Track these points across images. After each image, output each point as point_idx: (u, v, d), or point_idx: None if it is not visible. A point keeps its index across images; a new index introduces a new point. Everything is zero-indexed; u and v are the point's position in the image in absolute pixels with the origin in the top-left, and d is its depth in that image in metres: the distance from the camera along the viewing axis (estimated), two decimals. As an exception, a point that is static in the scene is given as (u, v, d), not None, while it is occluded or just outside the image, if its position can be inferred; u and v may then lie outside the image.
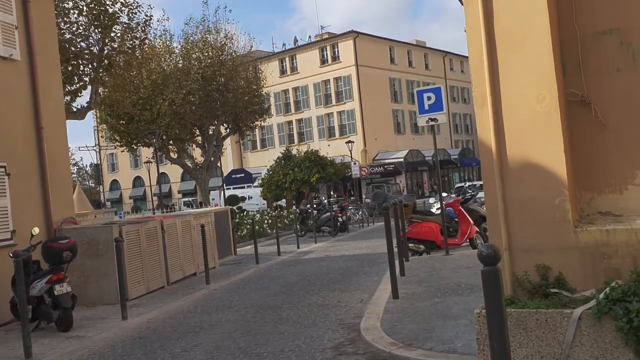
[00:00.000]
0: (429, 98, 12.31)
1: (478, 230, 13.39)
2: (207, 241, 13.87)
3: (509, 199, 4.90)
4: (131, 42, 21.97)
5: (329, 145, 43.12)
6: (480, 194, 16.58)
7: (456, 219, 13.55)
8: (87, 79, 20.16)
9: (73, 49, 18.94)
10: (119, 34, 20.90)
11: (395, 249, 13.96)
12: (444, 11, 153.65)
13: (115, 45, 20.85)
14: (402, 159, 50.76)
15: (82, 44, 19.73)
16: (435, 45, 64.89)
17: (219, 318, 8.78)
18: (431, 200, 14.57)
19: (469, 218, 13.33)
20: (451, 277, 9.46)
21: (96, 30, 19.40)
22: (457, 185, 30.01)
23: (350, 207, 28.13)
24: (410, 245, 13.06)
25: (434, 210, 14.13)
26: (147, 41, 26.43)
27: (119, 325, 8.77)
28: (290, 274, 13.08)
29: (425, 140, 58.91)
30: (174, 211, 28.28)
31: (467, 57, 71.46)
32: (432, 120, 12.30)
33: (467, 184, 32.45)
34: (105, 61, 20.36)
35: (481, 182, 28.33)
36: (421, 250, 13.17)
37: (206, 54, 31.79)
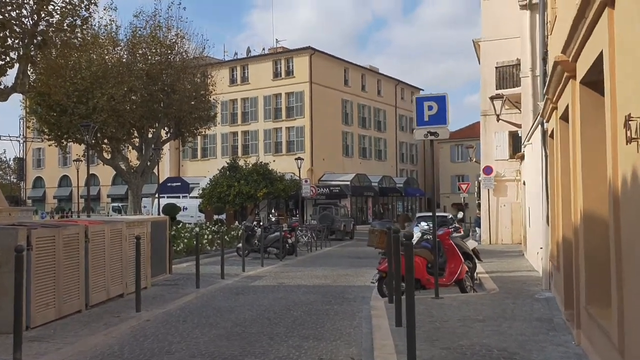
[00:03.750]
0: (429, 107, 10.28)
1: (468, 270, 11.38)
2: (141, 256, 11.29)
3: None
4: (72, 19, 19.21)
5: (274, 161, 40.77)
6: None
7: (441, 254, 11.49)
8: (14, 55, 17.35)
9: (0, 16, 16.10)
10: (58, 9, 18.14)
11: (373, 283, 11.90)
12: (390, 44, 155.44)
13: (53, 21, 18.10)
14: (348, 182, 49.00)
15: (12, 13, 16.89)
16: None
17: (154, 370, 6.29)
18: (417, 227, 12.44)
19: (460, 255, 11.31)
20: (469, 336, 7.28)
21: (31, -1, 16.64)
22: (418, 215, 28.25)
23: (300, 229, 25.78)
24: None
25: (414, 239, 12.08)
26: (90, 24, 23.61)
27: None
28: (241, 306, 10.62)
29: (372, 166, 57.52)
30: (90, 216, 25.05)
31: (417, 88, 71.39)
32: (432, 134, 10.25)
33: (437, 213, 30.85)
34: (39, 37, 17.57)
35: (446, 214, 26.26)
36: (403, 289, 10.98)
37: (154, 51, 29.13)
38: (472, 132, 62.78)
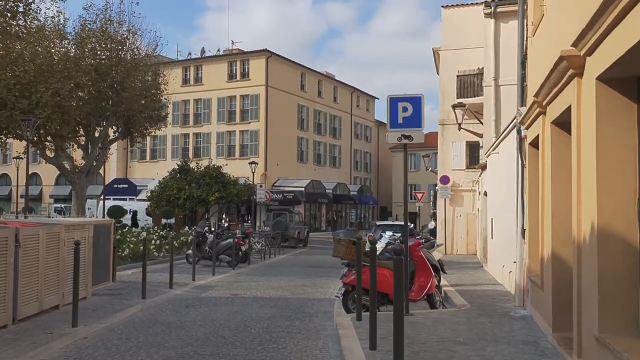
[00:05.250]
0: (404, 109, 9.52)
1: (438, 284, 10.67)
2: (81, 263, 10.13)
3: None
4: (13, 4, 17.84)
5: (226, 165, 39.47)
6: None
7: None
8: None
9: None
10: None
11: (338, 297, 11.03)
12: (345, 53, 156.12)
13: (-10, 5, 16.73)
14: (302, 189, 48.16)
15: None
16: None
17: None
18: (384, 236, 11.63)
19: (430, 268, 10.58)
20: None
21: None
22: (378, 223, 27.54)
23: (254, 235, 24.75)
24: (355, 296, 10.09)
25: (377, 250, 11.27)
26: (33, 11, 22.11)
27: None
28: (192, 322, 9.58)
29: (326, 172, 56.87)
30: (27, 217, 23.33)
31: (373, 96, 71.30)
32: (406, 137, 9.48)
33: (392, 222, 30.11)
34: (-26, 22, 16.18)
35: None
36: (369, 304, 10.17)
37: (104, 46, 27.73)
38: (425, 142, 62.89)
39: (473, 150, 31.11)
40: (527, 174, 9.90)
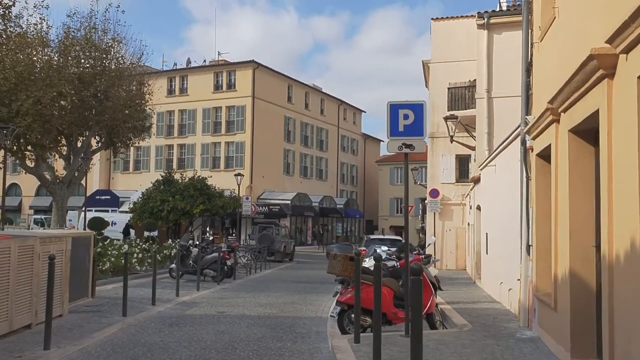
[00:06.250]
0: (405, 116, 8.96)
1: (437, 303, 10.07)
2: (57, 278, 9.41)
3: None
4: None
5: (211, 177, 38.64)
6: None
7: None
8: None
9: None
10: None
11: (331, 314, 10.32)
12: (331, 67, 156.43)
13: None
14: (288, 201, 47.48)
15: None
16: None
17: None
18: (382, 252, 10.97)
19: (431, 286, 9.99)
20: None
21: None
22: (372, 237, 26.82)
23: (240, 249, 24.02)
24: (352, 315, 9.47)
25: (369, 264, 10.67)
26: (13, 15, 21.46)
27: None
28: (176, 343, 8.88)
29: (313, 185, 56.26)
30: (3, 229, 22.34)
31: (360, 109, 70.98)
32: (407, 146, 8.92)
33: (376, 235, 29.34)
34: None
35: (398, 238, 25.05)
36: (367, 324, 9.55)
37: (87, 54, 27.00)
38: (411, 156, 62.51)
39: (463, 163, 30.71)
40: (533, 186, 9.37)
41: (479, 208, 20.07)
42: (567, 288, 6.86)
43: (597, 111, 5.62)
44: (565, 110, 6.91)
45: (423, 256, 10.42)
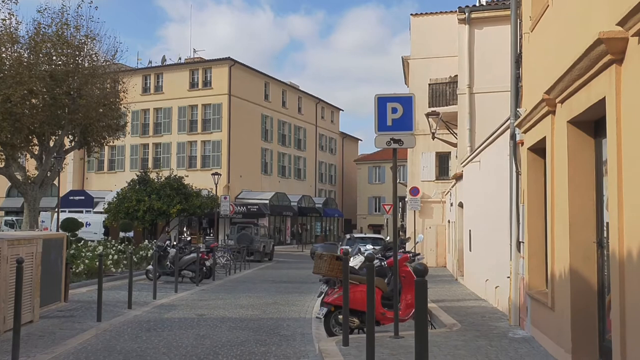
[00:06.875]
0: (394, 110, 8.60)
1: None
2: (27, 282, 8.90)
3: None
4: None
5: (187, 176, 37.85)
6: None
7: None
8: None
9: None
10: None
11: (317, 315, 9.89)
12: (307, 66, 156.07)
13: None
14: (267, 201, 46.97)
15: None
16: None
17: None
18: (365, 250, 10.60)
19: (419, 285, 9.64)
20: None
21: None
22: (356, 236, 26.48)
23: (219, 249, 23.50)
24: (340, 317, 9.11)
25: (354, 263, 10.29)
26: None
27: None
28: (154, 349, 8.42)
29: (291, 185, 55.81)
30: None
31: (338, 107, 70.65)
32: (396, 141, 8.57)
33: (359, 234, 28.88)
34: None
35: (380, 236, 24.75)
36: (354, 325, 9.19)
37: (59, 51, 26.21)
38: (387, 155, 62.52)
39: (443, 161, 30.59)
40: (524, 182, 9.09)
41: (461, 205, 19.86)
42: (566, 286, 6.57)
43: (602, 100, 5.33)
44: (563, 101, 6.61)
45: (411, 254, 10.11)
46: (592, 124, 6.39)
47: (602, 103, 5.37)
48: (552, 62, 7.21)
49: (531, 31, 8.82)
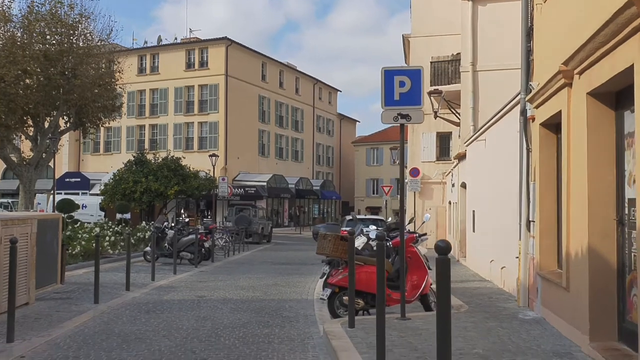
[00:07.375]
0: (401, 83, 8.27)
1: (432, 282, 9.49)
2: (22, 264, 8.61)
3: None
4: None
5: (184, 157, 37.36)
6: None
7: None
8: None
9: None
10: None
11: (321, 296, 9.61)
12: (303, 47, 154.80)
13: None
14: (264, 183, 46.65)
15: None
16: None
17: None
18: (370, 231, 10.34)
19: (425, 265, 9.39)
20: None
21: None
22: (349, 218, 26.15)
23: (218, 230, 23.25)
24: (344, 298, 8.86)
25: (357, 244, 10.04)
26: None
27: None
28: (154, 332, 8.16)
29: (288, 166, 55.44)
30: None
31: (335, 88, 69.99)
32: (403, 116, 8.25)
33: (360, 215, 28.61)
34: None
35: (381, 217, 24.53)
36: (359, 307, 8.95)
37: (53, 30, 25.74)
38: (385, 136, 62.10)
39: (444, 141, 30.28)
40: (535, 159, 8.79)
41: (463, 185, 19.60)
42: (584, 266, 6.30)
43: (629, 68, 5.01)
44: (582, 72, 6.29)
45: (416, 235, 9.84)
46: (613, 95, 6.08)
47: (628, 72, 5.06)
48: (570, 32, 6.87)
49: (544, 2, 8.47)
